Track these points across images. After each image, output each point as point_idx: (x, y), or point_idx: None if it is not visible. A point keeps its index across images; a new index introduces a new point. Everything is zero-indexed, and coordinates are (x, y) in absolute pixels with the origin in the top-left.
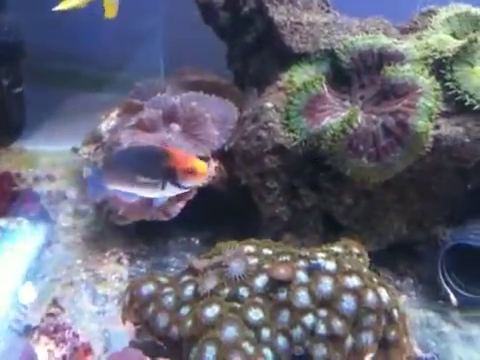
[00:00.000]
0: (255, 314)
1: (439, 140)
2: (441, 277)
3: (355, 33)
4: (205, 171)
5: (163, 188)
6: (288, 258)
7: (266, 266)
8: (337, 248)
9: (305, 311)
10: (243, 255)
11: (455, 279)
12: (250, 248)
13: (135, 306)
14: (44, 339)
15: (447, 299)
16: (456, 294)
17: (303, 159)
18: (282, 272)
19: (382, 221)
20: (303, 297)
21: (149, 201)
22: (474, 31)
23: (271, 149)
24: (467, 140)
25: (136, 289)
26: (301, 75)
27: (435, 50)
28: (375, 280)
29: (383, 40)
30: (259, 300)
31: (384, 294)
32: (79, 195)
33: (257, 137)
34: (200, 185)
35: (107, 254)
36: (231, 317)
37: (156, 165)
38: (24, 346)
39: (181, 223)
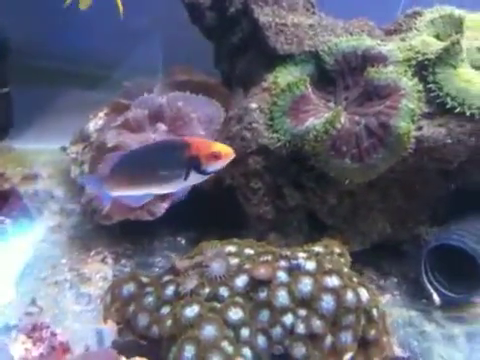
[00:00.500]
0: (235, 314)
1: (421, 141)
2: (424, 277)
3: (340, 35)
4: (230, 152)
5: (186, 178)
6: (269, 258)
7: (247, 266)
8: (318, 248)
9: (285, 310)
10: (224, 255)
11: (438, 279)
12: (231, 248)
13: (116, 305)
14: (22, 338)
15: (430, 298)
16: (439, 293)
17: (287, 159)
18: (262, 272)
19: (366, 220)
20: (283, 297)
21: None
22: (457, 33)
23: (255, 150)
24: (449, 141)
25: (117, 289)
26: (286, 76)
27: (418, 52)
28: (355, 280)
29: (367, 42)
30: (239, 300)
31: (364, 293)
32: (66, 194)
33: (241, 138)
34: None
35: (92, 253)
36: (210, 317)
37: (176, 157)
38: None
39: (167, 223)
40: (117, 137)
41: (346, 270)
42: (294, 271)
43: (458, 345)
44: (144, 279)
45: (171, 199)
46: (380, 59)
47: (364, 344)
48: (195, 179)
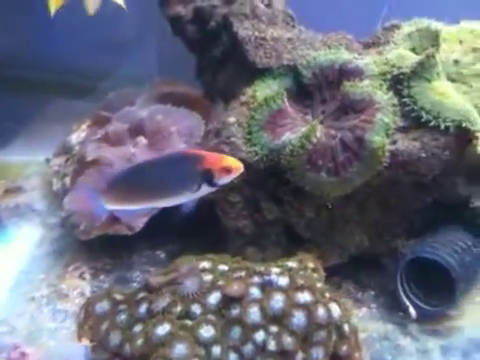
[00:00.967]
0: (206, 331)
1: (396, 155)
2: (400, 289)
3: (318, 48)
4: (239, 166)
5: (197, 190)
6: (243, 274)
7: (220, 283)
8: (292, 263)
9: (256, 327)
10: (198, 272)
11: (414, 291)
12: (206, 264)
13: (90, 323)
14: None
15: (407, 311)
16: (415, 307)
17: (265, 173)
18: (235, 288)
19: (343, 234)
20: (255, 313)
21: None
22: (433, 46)
23: None
24: (423, 155)
25: (91, 306)
26: (264, 90)
27: (394, 65)
28: (327, 295)
29: (344, 55)
30: (211, 317)
31: (335, 309)
32: (48, 207)
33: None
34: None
35: (70, 269)
36: (181, 335)
37: (188, 170)
38: None
39: (147, 237)
40: (96, 151)
41: (319, 285)
42: (267, 287)
43: (432, 359)
44: (118, 296)
45: (149, 214)
46: (357, 73)
47: None
48: (204, 191)
